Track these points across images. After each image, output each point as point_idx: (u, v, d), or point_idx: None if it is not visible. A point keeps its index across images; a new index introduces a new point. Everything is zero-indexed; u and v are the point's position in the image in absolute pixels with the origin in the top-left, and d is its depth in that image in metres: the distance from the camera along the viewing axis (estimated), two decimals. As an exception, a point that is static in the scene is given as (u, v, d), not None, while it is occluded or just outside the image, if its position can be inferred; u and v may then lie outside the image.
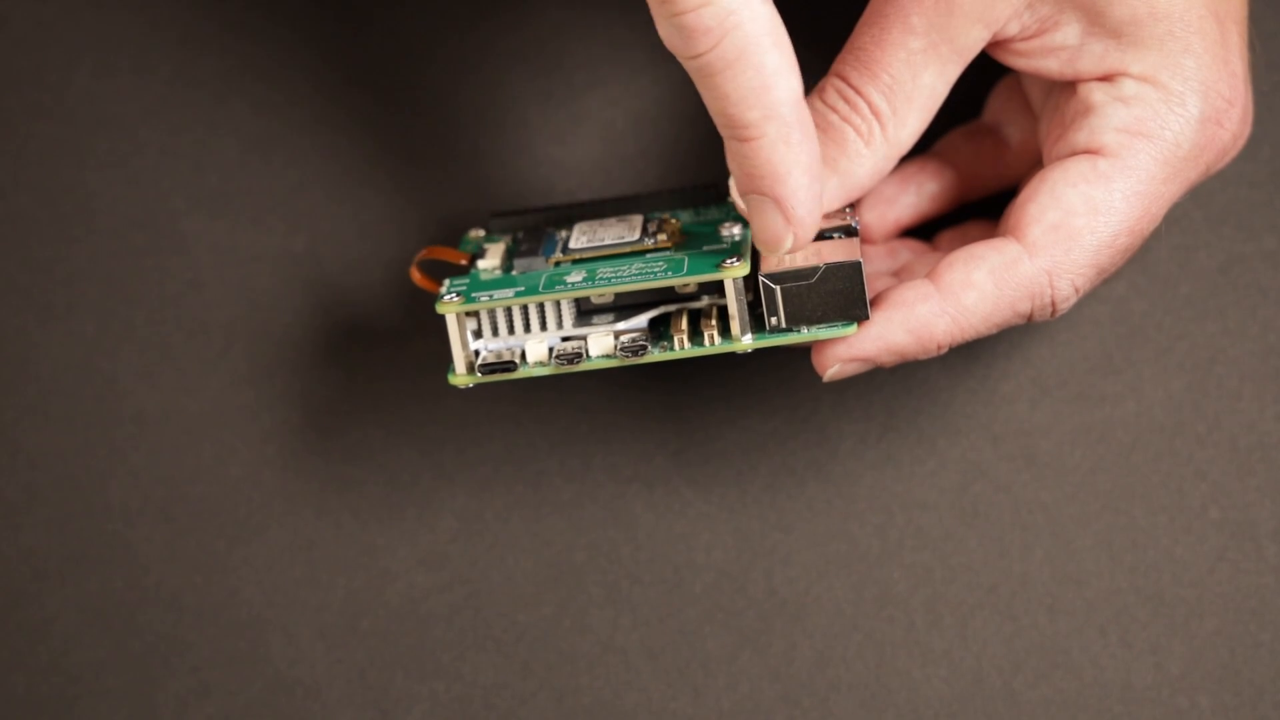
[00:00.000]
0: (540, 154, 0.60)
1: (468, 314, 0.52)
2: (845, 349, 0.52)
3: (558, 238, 0.55)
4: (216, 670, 0.58)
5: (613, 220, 0.55)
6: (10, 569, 0.59)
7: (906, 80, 0.53)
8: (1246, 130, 0.54)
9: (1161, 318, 0.59)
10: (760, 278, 0.51)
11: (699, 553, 0.59)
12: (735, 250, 0.52)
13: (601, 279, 0.52)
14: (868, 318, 0.51)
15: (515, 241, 0.55)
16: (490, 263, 0.54)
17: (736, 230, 0.53)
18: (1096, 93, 0.53)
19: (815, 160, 0.50)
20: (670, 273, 0.51)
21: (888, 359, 0.52)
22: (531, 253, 0.54)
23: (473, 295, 0.52)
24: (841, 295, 0.51)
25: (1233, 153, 0.54)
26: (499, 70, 0.60)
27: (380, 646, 0.58)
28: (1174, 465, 0.59)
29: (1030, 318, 0.53)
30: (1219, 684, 0.58)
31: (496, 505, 0.60)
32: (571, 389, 0.59)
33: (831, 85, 0.53)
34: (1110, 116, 0.53)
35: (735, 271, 0.51)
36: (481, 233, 0.57)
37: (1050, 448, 0.59)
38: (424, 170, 0.58)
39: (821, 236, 0.53)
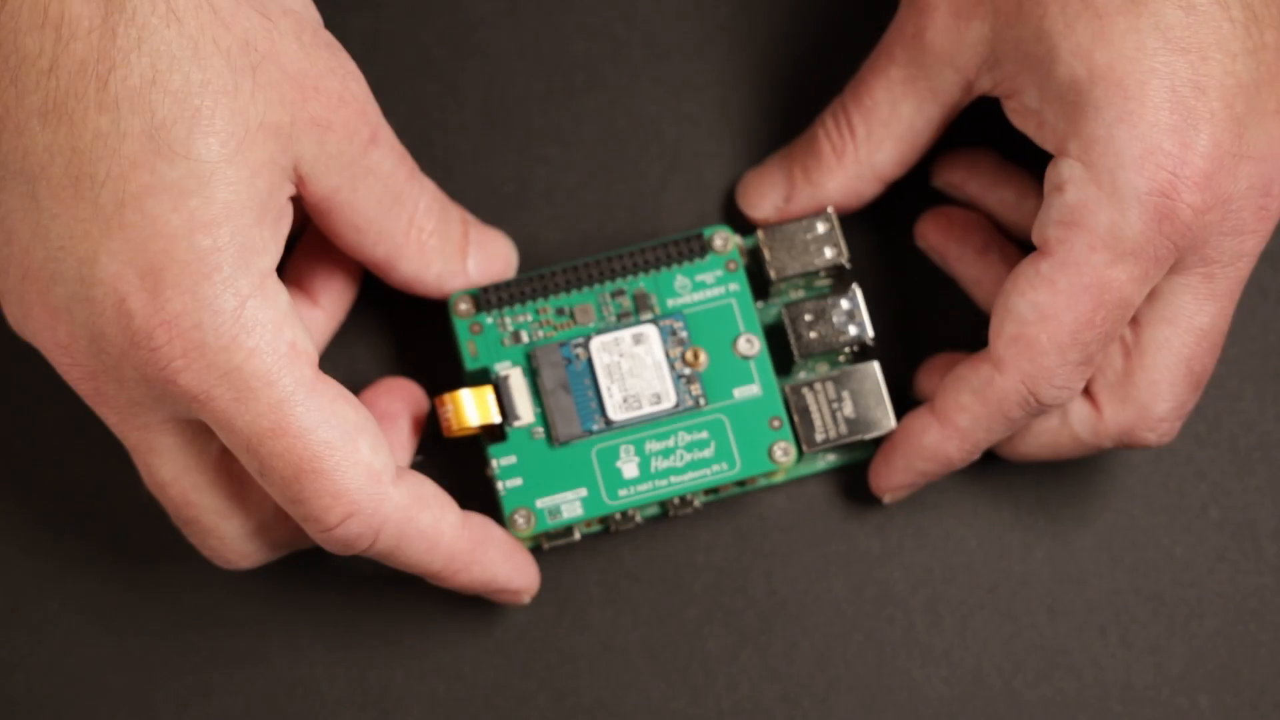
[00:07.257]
0: (540, 154, 0.60)
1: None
2: (885, 482, 0.56)
3: (585, 388, 0.56)
4: (216, 670, 0.58)
5: (628, 339, 0.56)
6: (10, 569, 0.59)
7: (885, 107, 0.54)
8: (1223, 200, 0.48)
9: (1162, 318, 0.59)
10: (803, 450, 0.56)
11: (699, 553, 0.59)
12: (771, 405, 0.55)
13: (658, 474, 0.55)
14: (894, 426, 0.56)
15: (531, 366, 0.56)
16: (523, 406, 0.55)
17: (756, 346, 0.55)
18: (1051, 174, 0.50)
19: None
20: (725, 467, 0.55)
21: (926, 480, 0.56)
22: (565, 411, 0.55)
23: (537, 506, 0.55)
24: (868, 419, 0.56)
25: (1223, 226, 0.49)
26: (499, 70, 0.60)
27: (380, 646, 0.58)
28: (1174, 465, 0.59)
29: (1039, 414, 0.53)
30: (1219, 684, 0.58)
31: (496, 505, 0.59)
32: (571, 389, 0.59)
33: (831, 108, 0.56)
34: (1050, 206, 0.50)
35: (788, 463, 0.56)
36: (468, 303, 0.56)
37: (1050, 448, 0.59)
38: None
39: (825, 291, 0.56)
